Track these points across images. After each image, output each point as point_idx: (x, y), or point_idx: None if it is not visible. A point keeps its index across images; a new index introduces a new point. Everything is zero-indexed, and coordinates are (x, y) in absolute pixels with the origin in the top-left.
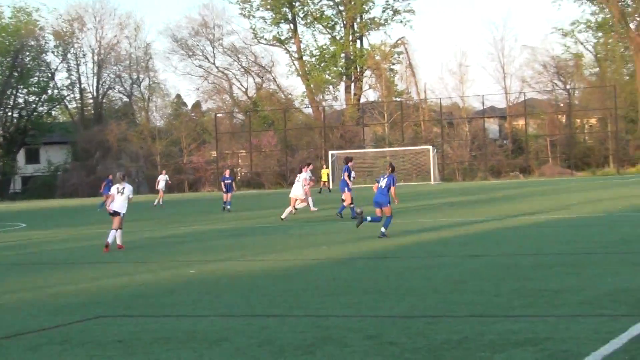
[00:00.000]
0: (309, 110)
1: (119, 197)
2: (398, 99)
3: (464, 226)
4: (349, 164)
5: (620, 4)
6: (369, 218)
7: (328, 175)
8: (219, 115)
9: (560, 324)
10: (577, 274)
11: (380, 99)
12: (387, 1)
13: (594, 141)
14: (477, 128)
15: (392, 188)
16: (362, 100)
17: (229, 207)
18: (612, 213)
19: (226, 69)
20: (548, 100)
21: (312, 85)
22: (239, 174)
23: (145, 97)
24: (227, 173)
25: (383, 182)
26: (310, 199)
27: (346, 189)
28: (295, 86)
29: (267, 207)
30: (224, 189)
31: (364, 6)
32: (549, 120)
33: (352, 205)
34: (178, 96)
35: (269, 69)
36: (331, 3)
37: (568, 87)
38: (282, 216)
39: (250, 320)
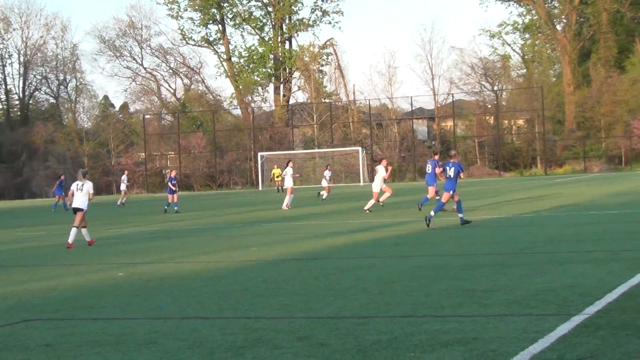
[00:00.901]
0: (238, 112)
1: (78, 194)
2: (327, 101)
3: (394, 227)
4: (435, 158)
5: (546, 5)
6: (432, 213)
7: (280, 174)
8: (147, 116)
9: (489, 323)
10: (506, 274)
11: (309, 101)
12: (316, 2)
13: (521, 142)
14: (405, 129)
15: (437, 169)
16: (291, 101)
17: (175, 208)
18: (540, 213)
19: (154, 70)
20: (476, 102)
21: (240, 87)
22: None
23: (72, 99)
24: (172, 174)
25: (451, 171)
26: (288, 198)
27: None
28: (224, 87)
29: (197, 209)
30: (170, 190)
31: (293, 7)
32: (477, 121)
33: (428, 198)
34: (105, 97)
35: (198, 70)
36: (260, 4)
37: (496, 88)
38: (365, 207)
39: (180, 323)
